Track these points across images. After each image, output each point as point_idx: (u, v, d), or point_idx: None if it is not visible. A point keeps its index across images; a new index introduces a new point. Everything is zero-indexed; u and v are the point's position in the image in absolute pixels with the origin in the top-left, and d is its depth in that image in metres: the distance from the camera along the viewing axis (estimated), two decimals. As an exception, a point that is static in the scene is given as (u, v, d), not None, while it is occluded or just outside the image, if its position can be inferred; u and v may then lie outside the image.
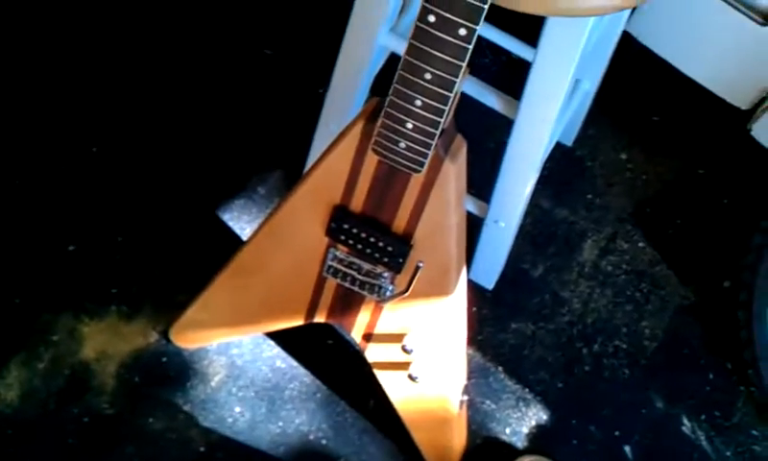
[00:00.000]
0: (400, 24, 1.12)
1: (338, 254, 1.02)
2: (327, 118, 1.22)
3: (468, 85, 1.10)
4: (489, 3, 0.76)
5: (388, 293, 1.02)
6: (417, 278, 0.98)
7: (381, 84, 1.03)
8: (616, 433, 1.28)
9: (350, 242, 1.00)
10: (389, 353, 1.09)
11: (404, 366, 1.09)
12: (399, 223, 0.97)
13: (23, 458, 1.15)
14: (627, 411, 1.30)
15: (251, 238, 1.07)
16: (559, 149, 1.46)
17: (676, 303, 1.38)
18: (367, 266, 1.01)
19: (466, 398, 1.15)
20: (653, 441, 1.28)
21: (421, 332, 1.06)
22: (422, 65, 0.82)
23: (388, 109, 0.87)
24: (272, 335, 1.25)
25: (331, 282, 1.06)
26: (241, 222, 1.34)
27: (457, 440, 1.18)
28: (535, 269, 1.37)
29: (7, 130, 1.36)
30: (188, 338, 1.22)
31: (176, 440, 1.18)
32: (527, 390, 1.29)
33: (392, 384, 1.12)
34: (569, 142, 1.47)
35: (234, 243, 1.31)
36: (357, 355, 1.13)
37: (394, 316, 1.06)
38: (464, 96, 1.10)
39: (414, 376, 1.09)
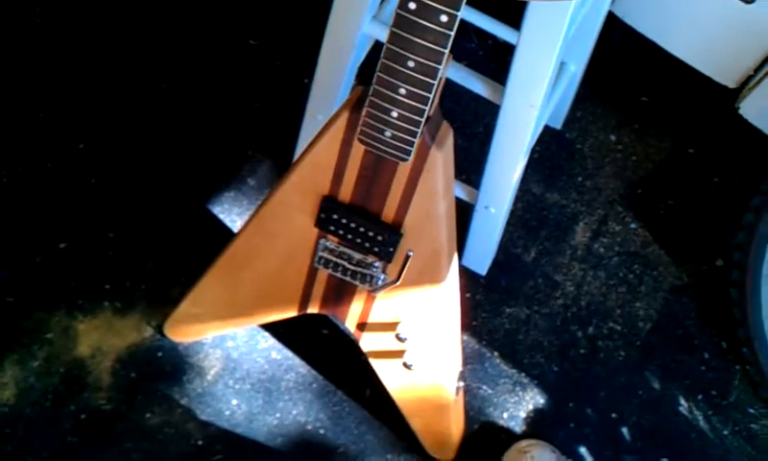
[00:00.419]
0: (383, 12, 1.12)
1: (328, 244, 1.02)
2: (314, 109, 1.22)
3: (453, 72, 1.10)
4: (469, -12, 0.75)
5: (379, 282, 1.02)
6: (407, 266, 0.98)
7: (367, 73, 1.03)
8: (613, 415, 1.28)
9: (340, 232, 1.00)
10: (383, 342, 1.09)
11: (399, 354, 1.10)
12: (388, 212, 0.97)
13: (21, 456, 1.15)
14: (623, 393, 1.30)
15: (241, 231, 1.07)
16: (548, 132, 1.45)
17: (669, 283, 1.38)
18: (357, 256, 1.02)
19: (462, 384, 1.16)
20: (650, 422, 1.28)
21: (415, 320, 1.06)
22: (405, 53, 0.82)
23: (372, 99, 0.87)
24: (266, 327, 1.25)
25: (323, 273, 1.06)
26: (232, 214, 1.34)
27: (454, 426, 1.18)
28: (527, 253, 1.38)
29: (-5, 129, 1.36)
30: (183, 332, 1.22)
31: (174, 434, 1.18)
32: (523, 374, 1.29)
33: (387, 373, 1.12)
34: (558, 125, 1.46)
35: (226, 235, 1.31)
36: (352, 345, 1.13)
37: (387, 305, 1.06)
38: (450, 82, 1.10)
39: (409, 364, 1.10)
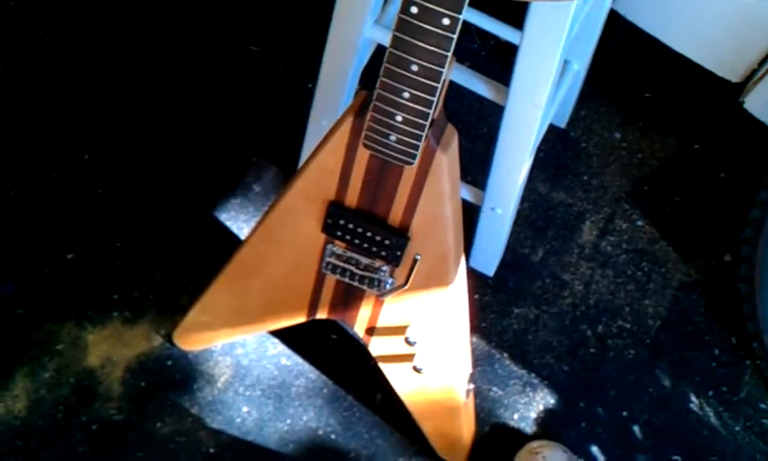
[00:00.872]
0: (385, 15, 1.12)
1: (335, 249, 1.02)
2: (318, 114, 1.22)
3: (457, 74, 1.10)
4: (471, -9, 0.75)
5: (387, 286, 1.02)
6: (415, 270, 0.98)
7: (370, 76, 1.03)
8: (624, 414, 1.28)
9: (347, 237, 1.00)
10: (393, 346, 1.09)
11: (409, 358, 1.10)
12: (395, 216, 0.97)
13: (34, 469, 1.15)
14: (634, 391, 1.29)
15: (248, 238, 1.07)
16: (552, 131, 1.45)
17: (678, 280, 1.38)
18: (365, 261, 1.01)
19: (472, 386, 1.15)
20: (661, 420, 1.28)
21: (424, 323, 1.06)
22: (408, 57, 0.82)
23: (376, 103, 0.87)
24: (276, 333, 1.25)
25: (331, 278, 1.06)
26: (238, 221, 1.34)
27: (466, 429, 1.18)
28: (535, 253, 1.37)
29: None
30: (192, 340, 1.23)
31: (185, 443, 1.19)
32: (533, 375, 1.29)
33: (397, 377, 1.12)
34: (563, 124, 1.46)
35: (233, 242, 1.31)
36: (362, 349, 1.13)
37: (395, 309, 1.06)
38: (454, 83, 1.10)
39: (419, 367, 1.10)
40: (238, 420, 1.21)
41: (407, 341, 1.07)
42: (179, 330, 1.22)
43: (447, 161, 0.92)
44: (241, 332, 1.20)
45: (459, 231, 1.01)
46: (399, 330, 1.07)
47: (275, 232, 1.04)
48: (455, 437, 1.18)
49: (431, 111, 0.86)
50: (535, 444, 1.22)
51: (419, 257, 0.98)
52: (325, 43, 1.13)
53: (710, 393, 1.31)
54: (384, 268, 1.01)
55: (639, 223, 1.42)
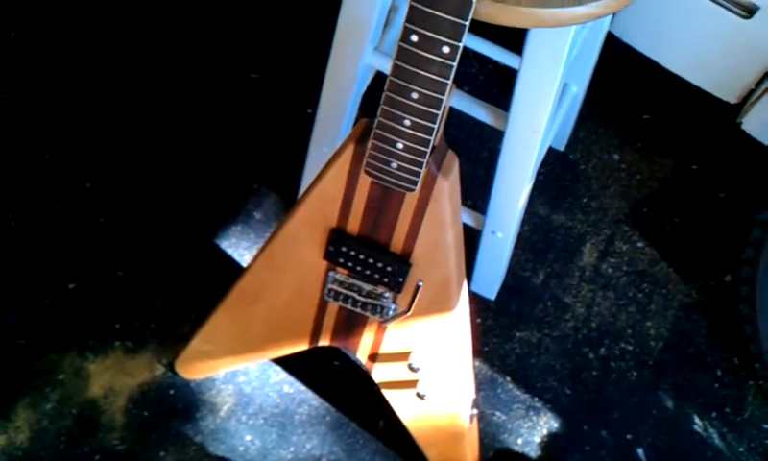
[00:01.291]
0: (384, 42, 1.13)
1: (338, 276, 1.02)
2: (318, 140, 1.23)
3: (457, 100, 1.11)
4: (470, 19, 0.76)
5: (390, 313, 1.02)
6: (418, 296, 0.98)
7: (370, 101, 1.04)
8: (628, 436, 1.28)
9: (349, 264, 1.00)
10: (396, 372, 1.09)
11: (412, 384, 1.09)
12: (397, 242, 0.97)
13: (37, 501, 1.15)
14: (637, 413, 1.29)
15: (249, 266, 1.07)
16: (551, 154, 1.46)
17: (679, 301, 1.38)
18: (367, 287, 1.02)
19: (476, 411, 1.15)
20: (665, 442, 1.28)
21: (427, 349, 1.06)
22: (408, 85, 0.82)
23: (377, 131, 0.87)
24: (278, 360, 1.25)
25: (333, 305, 1.06)
26: (240, 248, 1.34)
27: (470, 454, 1.18)
28: (536, 276, 1.38)
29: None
30: (194, 369, 1.22)
31: (188, 472, 1.18)
32: (536, 399, 1.28)
33: (401, 403, 1.12)
34: (562, 146, 1.47)
35: (235, 270, 1.31)
36: (365, 375, 1.13)
37: (398, 335, 1.06)
38: (454, 109, 1.11)
39: (422, 393, 1.09)
40: (241, 448, 1.20)
41: (410, 367, 1.07)
42: (181, 359, 1.21)
43: (448, 187, 0.92)
44: (244, 361, 1.20)
45: (461, 257, 1.01)
46: (402, 357, 1.07)
47: (277, 260, 1.04)
48: (459, 462, 1.18)
49: (432, 138, 0.86)
50: (539, 468, 1.22)
51: (421, 284, 0.98)
52: (325, 71, 1.13)
53: (714, 414, 1.31)
54: (386, 294, 1.01)
55: (640, 244, 1.42)
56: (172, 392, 1.23)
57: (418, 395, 1.10)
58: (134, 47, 1.49)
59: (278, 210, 1.37)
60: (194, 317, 1.26)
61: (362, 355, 1.10)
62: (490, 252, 1.26)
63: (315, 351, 1.14)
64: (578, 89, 1.31)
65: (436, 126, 0.85)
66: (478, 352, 1.30)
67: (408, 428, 1.14)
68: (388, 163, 0.90)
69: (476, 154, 1.45)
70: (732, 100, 1.36)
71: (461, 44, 0.78)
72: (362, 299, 1.02)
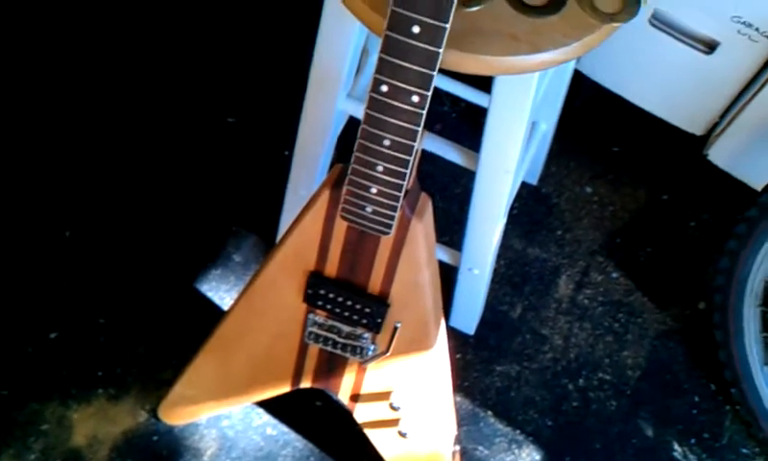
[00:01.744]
0: (357, 87, 1.15)
1: (317, 319, 1.03)
2: (295, 184, 1.24)
3: (429, 142, 1.13)
4: (437, 69, 0.78)
5: (370, 353, 1.04)
6: (396, 337, 1.00)
7: (347, 143, 1.05)
8: (610, 465, 1.29)
9: (328, 306, 1.01)
10: (377, 412, 1.10)
11: (393, 423, 1.10)
12: (374, 284, 0.99)
13: None
14: (618, 443, 1.31)
15: (230, 311, 1.08)
16: (524, 188, 1.48)
17: (655, 329, 1.40)
18: (347, 329, 1.03)
19: (458, 447, 1.16)
20: (646, 469, 1.30)
21: (407, 388, 1.07)
22: (380, 133, 0.84)
23: (351, 177, 0.89)
24: (260, 403, 1.25)
25: (314, 348, 1.07)
26: (220, 291, 1.35)
27: (453, 489, 1.18)
28: (513, 310, 1.39)
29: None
30: (177, 415, 1.23)
31: (173, 519, 1.18)
32: (518, 431, 1.30)
33: (383, 442, 1.13)
34: (534, 181, 1.49)
35: (215, 314, 1.32)
36: (347, 415, 1.14)
37: (378, 375, 1.07)
38: (426, 150, 1.13)
39: (404, 432, 1.10)
40: (226, 492, 1.21)
41: (391, 406, 1.08)
42: (164, 405, 1.22)
43: (423, 230, 0.94)
44: (226, 405, 1.21)
45: (437, 296, 1.02)
46: (383, 396, 1.08)
47: (256, 304, 1.05)
48: (443, 498, 1.18)
49: (405, 183, 0.88)
50: (523, 501, 1.23)
51: (399, 325, 0.99)
52: (300, 116, 1.15)
53: (693, 441, 1.32)
54: (366, 335, 1.03)
55: (614, 275, 1.44)
56: (156, 438, 1.23)
57: (400, 433, 1.11)
58: (111, 93, 1.50)
59: (258, 252, 1.38)
60: (176, 362, 1.27)
61: (344, 396, 1.11)
62: (467, 288, 1.28)
63: (297, 393, 1.14)
64: (547, 126, 1.34)
65: (408, 171, 0.87)
66: (459, 387, 1.31)
67: (391, 467, 1.15)
68: (363, 208, 0.91)
69: (450, 191, 1.47)
70: (699, 132, 1.39)
71: (429, 93, 0.80)
72: (342, 340, 1.04)
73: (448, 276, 1.25)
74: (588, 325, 1.39)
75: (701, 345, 1.39)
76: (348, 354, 1.04)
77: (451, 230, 1.39)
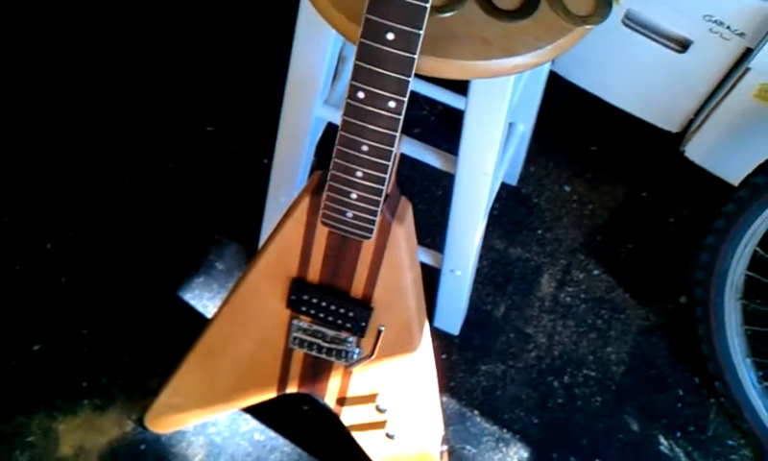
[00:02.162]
0: (334, 94, 1.15)
1: (301, 324, 1.04)
2: (276, 191, 1.25)
3: (407, 146, 1.13)
4: (413, 76, 0.79)
5: (355, 357, 1.04)
6: (380, 340, 1.00)
7: (326, 149, 1.06)
8: (596, 461, 1.30)
9: (312, 312, 1.02)
10: (364, 415, 1.11)
11: (380, 425, 1.11)
12: (357, 288, 0.99)
13: None
14: (604, 438, 1.32)
15: (214, 318, 1.09)
16: (504, 189, 1.49)
17: (637, 325, 1.42)
18: (331, 333, 1.03)
19: (445, 447, 1.17)
20: (632, 464, 1.31)
21: (393, 390, 1.07)
22: (358, 139, 0.85)
23: (331, 183, 0.90)
24: (247, 409, 1.26)
25: (299, 353, 1.07)
26: (203, 299, 1.35)
27: (441, 489, 1.19)
28: (497, 309, 1.40)
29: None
30: (164, 423, 1.23)
31: (162, 527, 1.18)
32: (505, 430, 1.30)
33: (371, 445, 1.13)
34: (514, 181, 1.50)
35: (199, 322, 1.32)
36: (334, 419, 1.15)
37: (364, 378, 1.07)
38: (404, 154, 1.14)
39: (391, 433, 1.11)
40: (215, 499, 1.21)
41: (378, 409, 1.09)
42: (150, 414, 1.22)
43: (403, 233, 0.95)
44: (213, 412, 1.21)
45: (420, 298, 1.03)
46: (370, 399, 1.09)
47: (240, 312, 1.05)
48: (431, 499, 1.19)
49: (384, 187, 0.89)
50: (510, 499, 1.23)
51: (383, 328, 1.00)
52: (279, 124, 1.16)
53: (678, 434, 1.34)
54: (350, 339, 1.03)
55: (596, 272, 1.45)
56: (143, 447, 1.23)
57: (387, 435, 1.11)
58: (91, 103, 1.50)
59: (240, 260, 1.39)
60: (161, 371, 1.27)
61: (330, 400, 1.11)
62: (450, 289, 1.29)
63: (284, 398, 1.15)
64: (525, 127, 1.35)
65: (387, 175, 0.88)
66: (445, 388, 1.32)
67: (379, 469, 1.16)
68: (343, 213, 0.92)
69: (431, 193, 1.48)
70: (675, 129, 1.40)
71: (406, 99, 0.80)
72: (326, 345, 1.04)
73: (431, 277, 1.26)
74: (571, 322, 1.40)
75: (683, 339, 1.41)
76: (332, 358, 1.05)
77: (433, 232, 1.40)
